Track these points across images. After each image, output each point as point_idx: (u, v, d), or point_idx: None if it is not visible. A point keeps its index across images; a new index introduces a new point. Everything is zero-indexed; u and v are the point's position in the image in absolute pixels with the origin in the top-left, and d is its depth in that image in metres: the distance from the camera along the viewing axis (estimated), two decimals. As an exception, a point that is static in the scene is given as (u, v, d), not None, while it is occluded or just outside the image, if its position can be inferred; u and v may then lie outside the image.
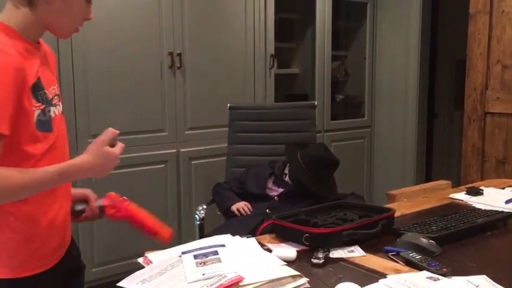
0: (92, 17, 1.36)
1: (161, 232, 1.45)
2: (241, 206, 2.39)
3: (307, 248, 1.42)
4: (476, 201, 1.97)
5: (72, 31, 1.34)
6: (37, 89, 1.19)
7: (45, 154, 1.23)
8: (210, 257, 1.22)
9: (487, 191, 2.12)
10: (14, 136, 1.13)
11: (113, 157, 1.28)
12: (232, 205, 2.39)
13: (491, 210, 1.76)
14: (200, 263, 1.18)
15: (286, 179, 2.48)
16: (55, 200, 1.29)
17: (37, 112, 1.19)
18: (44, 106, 1.21)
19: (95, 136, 3.02)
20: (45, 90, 1.23)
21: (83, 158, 1.24)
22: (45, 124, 1.22)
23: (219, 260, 1.20)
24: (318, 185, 2.38)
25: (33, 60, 1.20)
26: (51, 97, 1.26)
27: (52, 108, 1.27)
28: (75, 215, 1.47)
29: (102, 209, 1.54)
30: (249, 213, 2.36)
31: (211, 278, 1.10)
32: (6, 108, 1.09)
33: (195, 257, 1.23)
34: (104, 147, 1.27)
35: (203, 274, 1.12)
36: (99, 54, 2.84)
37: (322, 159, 2.39)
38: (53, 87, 1.30)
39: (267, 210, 2.30)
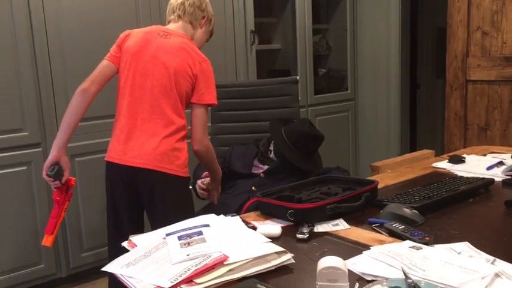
0: None
1: (48, 236, 1.89)
2: (202, 193, 2.31)
3: (292, 223, 1.43)
4: (458, 169, 1.99)
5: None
6: None
7: None
8: (194, 238, 1.22)
9: (469, 158, 2.15)
10: None
11: None
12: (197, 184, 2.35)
13: (473, 178, 1.78)
14: (184, 244, 1.18)
15: (271, 155, 2.48)
16: None
17: None
18: None
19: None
20: None
21: None
22: None
23: (203, 240, 1.20)
24: (303, 161, 2.38)
25: None
26: None
27: None
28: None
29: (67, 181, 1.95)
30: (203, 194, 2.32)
31: (196, 258, 1.10)
32: None
33: (180, 238, 1.22)
34: None
35: (188, 255, 1.12)
36: (75, 39, 2.78)
37: (307, 134, 2.39)
38: None
39: (253, 188, 2.30)
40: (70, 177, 1.97)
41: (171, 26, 2.10)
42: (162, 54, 1.96)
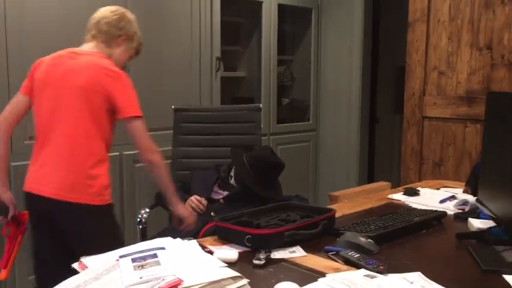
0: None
1: (2, 271, 1.90)
2: (193, 202, 2.32)
3: (249, 249, 1.42)
4: (413, 201, 2.05)
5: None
6: None
7: None
8: (148, 260, 1.19)
9: (423, 191, 2.21)
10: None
11: None
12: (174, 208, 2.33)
13: (427, 210, 1.83)
14: (138, 267, 1.15)
15: (232, 181, 2.47)
16: None
17: None
18: None
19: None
20: None
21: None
22: None
23: (157, 263, 1.17)
24: (263, 188, 2.38)
25: None
26: None
27: None
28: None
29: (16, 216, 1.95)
30: (203, 208, 2.31)
31: (149, 281, 1.08)
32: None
33: (133, 260, 1.19)
34: None
35: (140, 277, 1.09)
36: (36, 53, 2.72)
37: (268, 162, 2.40)
38: None
39: (212, 213, 2.28)
40: (21, 212, 1.95)
41: (84, 47, 2.04)
42: (70, 76, 1.91)
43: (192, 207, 2.30)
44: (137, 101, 1.96)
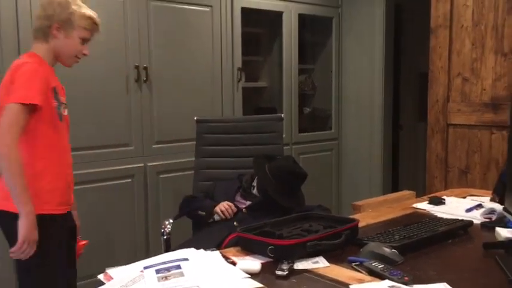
0: (88, 53, 2.00)
1: None
2: (224, 207, 2.30)
3: (272, 260, 1.42)
4: (438, 210, 2.01)
5: (72, 62, 1.99)
6: (55, 92, 1.86)
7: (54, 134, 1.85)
8: (172, 271, 1.20)
9: (448, 200, 2.17)
10: (40, 115, 1.77)
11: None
12: (215, 207, 2.32)
13: (452, 219, 1.80)
14: (162, 278, 1.17)
15: (254, 191, 2.47)
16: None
17: (55, 105, 1.84)
18: (57, 103, 1.86)
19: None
20: (59, 97, 1.89)
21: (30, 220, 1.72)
22: (59, 114, 1.87)
23: (181, 274, 1.18)
24: (286, 198, 2.38)
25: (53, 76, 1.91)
26: (62, 102, 1.92)
27: (62, 108, 1.91)
28: None
29: None
30: (232, 214, 2.30)
31: (173, 292, 1.09)
32: (39, 89, 1.75)
33: (157, 271, 1.21)
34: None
35: (164, 289, 1.10)
36: (64, 68, 2.79)
37: (290, 172, 2.40)
38: (62, 98, 1.94)
39: (235, 223, 2.29)
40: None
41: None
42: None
43: (222, 211, 2.29)
44: (30, 89, 1.73)
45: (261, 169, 2.42)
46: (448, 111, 3.30)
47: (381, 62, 4.12)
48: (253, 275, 1.26)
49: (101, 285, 1.22)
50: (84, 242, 2.14)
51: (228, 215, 2.29)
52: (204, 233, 2.29)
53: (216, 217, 2.30)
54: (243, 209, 2.40)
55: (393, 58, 4.27)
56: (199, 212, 2.31)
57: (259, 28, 4.06)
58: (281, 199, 2.35)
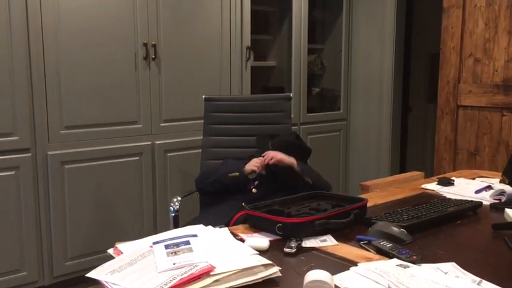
0: None
1: None
2: (255, 161, 2.27)
3: (280, 238, 1.42)
4: (447, 191, 2.01)
5: None
6: None
7: None
8: (181, 247, 1.21)
9: (457, 181, 2.16)
10: None
11: None
12: (243, 169, 2.28)
13: (461, 200, 1.79)
14: (171, 253, 1.17)
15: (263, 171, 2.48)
16: None
17: None
18: None
19: (68, 128, 2.98)
20: None
21: None
22: None
23: (190, 250, 1.19)
24: (287, 171, 2.38)
25: None
26: None
27: None
28: None
29: None
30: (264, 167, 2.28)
31: (182, 267, 1.09)
32: None
33: (166, 247, 1.21)
34: None
35: (174, 263, 1.11)
36: (71, 46, 2.78)
37: (293, 145, 2.40)
38: None
39: (243, 204, 2.30)
40: None
41: None
42: None
43: (255, 165, 2.26)
44: None
45: (264, 145, 2.43)
46: (459, 92, 3.27)
47: (391, 42, 4.06)
48: (261, 252, 1.27)
49: (110, 260, 1.23)
50: None
51: (261, 167, 2.27)
52: (213, 211, 2.30)
53: (250, 176, 2.27)
54: (252, 188, 2.40)
55: (404, 38, 4.21)
56: (231, 175, 2.26)
57: (269, 6, 4.01)
58: (282, 173, 2.34)
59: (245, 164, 2.44)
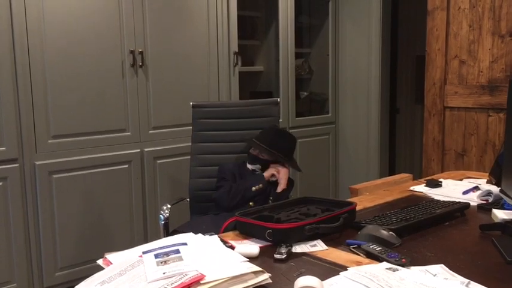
0: None
1: None
2: (274, 169, 2.46)
3: (270, 244, 1.42)
4: (435, 193, 2.02)
5: None
6: None
7: None
8: (171, 256, 1.20)
9: (445, 182, 2.18)
10: None
11: None
12: (264, 177, 2.44)
13: (449, 201, 1.81)
14: (161, 262, 1.17)
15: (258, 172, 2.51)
16: None
17: None
18: None
19: (55, 137, 2.96)
20: None
21: None
22: None
23: (180, 259, 1.19)
24: (274, 153, 2.44)
25: None
26: None
27: None
28: None
29: None
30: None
31: (172, 276, 1.09)
32: None
33: (156, 256, 1.21)
34: None
35: (164, 273, 1.10)
36: (58, 53, 2.77)
37: (273, 129, 2.52)
38: None
39: (250, 203, 2.35)
40: None
41: None
42: None
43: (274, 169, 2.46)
44: None
45: (249, 141, 2.47)
46: (445, 93, 3.30)
47: (377, 45, 4.10)
48: (251, 259, 1.27)
49: (100, 271, 1.22)
50: None
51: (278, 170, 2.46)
52: (205, 218, 2.31)
53: (272, 178, 2.46)
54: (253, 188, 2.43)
55: (390, 41, 4.25)
56: (255, 188, 2.40)
57: (255, 12, 4.03)
58: (268, 153, 2.44)
59: (247, 166, 2.47)
